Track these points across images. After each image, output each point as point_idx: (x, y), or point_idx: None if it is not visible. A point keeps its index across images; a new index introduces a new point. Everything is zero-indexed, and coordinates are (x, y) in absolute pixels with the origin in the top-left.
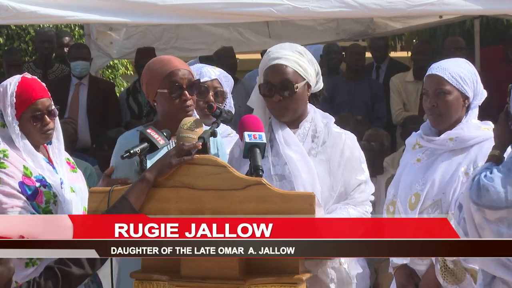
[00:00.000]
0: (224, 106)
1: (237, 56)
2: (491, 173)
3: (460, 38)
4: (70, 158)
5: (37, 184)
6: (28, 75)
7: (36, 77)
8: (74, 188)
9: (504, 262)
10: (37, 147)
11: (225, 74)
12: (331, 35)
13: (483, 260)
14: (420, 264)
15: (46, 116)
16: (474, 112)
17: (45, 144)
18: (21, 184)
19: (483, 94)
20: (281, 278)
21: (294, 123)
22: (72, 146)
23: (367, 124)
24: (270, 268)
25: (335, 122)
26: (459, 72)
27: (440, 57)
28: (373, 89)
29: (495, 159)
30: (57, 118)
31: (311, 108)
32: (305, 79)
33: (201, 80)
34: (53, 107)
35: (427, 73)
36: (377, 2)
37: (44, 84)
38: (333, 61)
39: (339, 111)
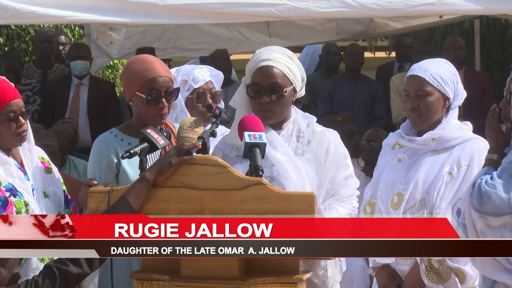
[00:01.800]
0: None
1: (237, 56)
2: (491, 179)
3: (459, 38)
4: (45, 156)
5: (7, 194)
6: None
7: (4, 78)
8: (47, 193)
9: (505, 267)
10: (8, 151)
11: (215, 72)
12: (331, 35)
13: (483, 265)
14: (403, 264)
15: (20, 117)
16: (455, 112)
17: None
18: None
19: (463, 94)
20: (281, 278)
21: (277, 125)
22: (72, 146)
23: (352, 120)
24: (270, 268)
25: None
26: (440, 73)
27: (439, 57)
28: (372, 89)
29: (493, 163)
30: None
31: (292, 109)
32: (293, 84)
33: (197, 86)
34: (25, 108)
35: (408, 74)
36: (377, 2)
37: (13, 84)
38: (332, 61)
39: (339, 111)
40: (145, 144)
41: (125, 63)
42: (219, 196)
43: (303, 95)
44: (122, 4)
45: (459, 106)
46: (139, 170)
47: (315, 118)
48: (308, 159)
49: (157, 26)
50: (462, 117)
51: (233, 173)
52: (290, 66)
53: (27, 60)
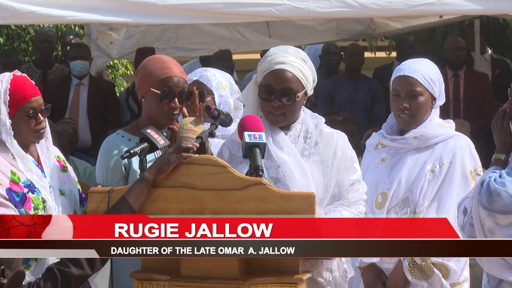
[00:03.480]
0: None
1: (237, 56)
2: (500, 177)
3: (459, 38)
4: (61, 155)
5: (25, 190)
6: (18, 73)
7: (25, 75)
8: (63, 191)
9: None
10: (26, 147)
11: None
12: (331, 35)
13: (490, 263)
14: (388, 263)
15: (39, 114)
16: (436, 111)
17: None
18: (9, 191)
19: (444, 95)
20: (281, 278)
21: (285, 126)
22: (72, 146)
23: (352, 120)
24: (270, 268)
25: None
26: (430, 74)
27: (440, 57)
28: (372, 89)
29: (501, 163)
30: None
31: (301, 109)
32: (305, 88)
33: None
34: (45, 105)
35: (398, 74)
36: (377, 2)
37: (33, 82)
38: (332, 62)
39: (339, 111)
40: (145, 144)
41: (125, 63)
42: (219, 196)
43: (310, 94)
44: (122, 4)
45: (440, 106)
46: (139, 170)
47: (323, 119)
48: (314, 161)
49: (157, 26)
50: (463, 117)
51: (233, 173)
52: (303, 70)
53: (27, 60)
